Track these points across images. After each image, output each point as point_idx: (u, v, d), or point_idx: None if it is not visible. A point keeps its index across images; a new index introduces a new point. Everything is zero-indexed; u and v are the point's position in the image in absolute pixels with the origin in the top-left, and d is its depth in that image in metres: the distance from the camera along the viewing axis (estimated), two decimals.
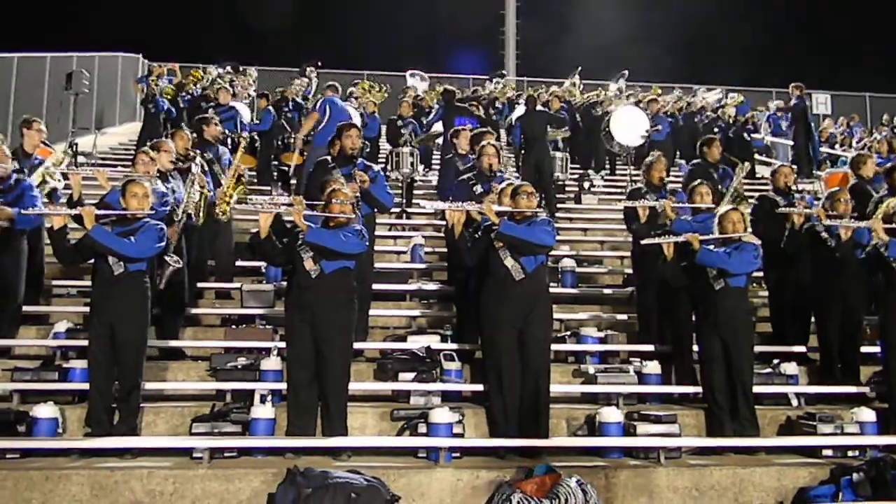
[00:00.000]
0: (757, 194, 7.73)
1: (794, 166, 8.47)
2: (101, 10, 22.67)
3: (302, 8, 24.22)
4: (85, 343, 5.14)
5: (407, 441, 5.05)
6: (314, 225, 4.99)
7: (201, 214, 6.58)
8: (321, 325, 4.91)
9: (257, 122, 11.53)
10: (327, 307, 4.92)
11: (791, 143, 13.95)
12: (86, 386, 5.04)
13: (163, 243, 5.10)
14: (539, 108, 10.75)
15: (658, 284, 6.19)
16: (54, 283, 7.22)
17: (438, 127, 11.02)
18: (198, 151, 6.90)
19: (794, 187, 7.16)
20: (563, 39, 23.37)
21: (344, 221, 4.98)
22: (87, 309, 5.57)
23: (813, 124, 13.96)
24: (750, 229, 5.85)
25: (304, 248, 4.95)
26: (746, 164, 8.08)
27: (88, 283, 5.86)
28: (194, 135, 7.35)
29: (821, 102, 19.56)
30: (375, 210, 6.42)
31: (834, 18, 24.73)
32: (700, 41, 23.83)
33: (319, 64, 14.39)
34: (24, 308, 6.32)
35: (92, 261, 5.09)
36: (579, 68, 14.56)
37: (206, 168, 6.84)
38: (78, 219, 4.99)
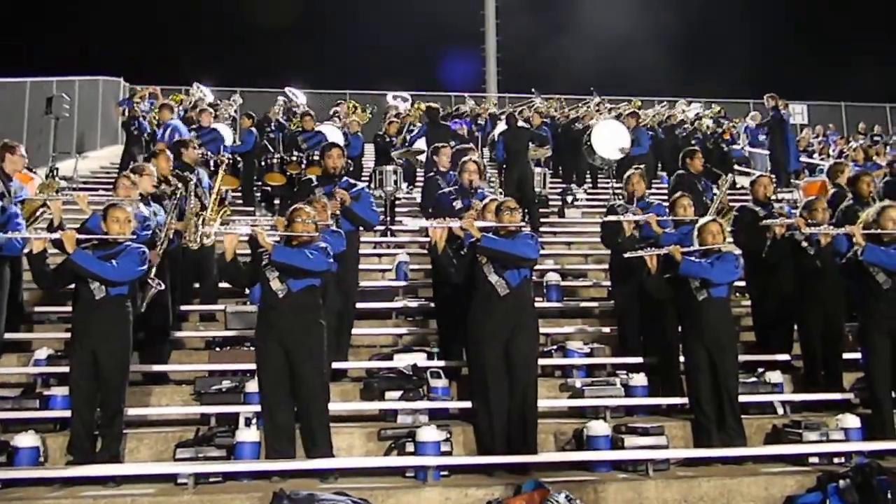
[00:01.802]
0: (737, 205, 7.81)
1: (773, 176, 8.57)
2: (82, 33, 22.65)
3: (284, 29, 24.34)
4: (66, 370, 5.09)
5: (394, 461, 5.02)
6: (279, 244, 4.99)
7: (196, 238, 6.52)
8: (292, 344, 4.88)
9: (240, 143, 11.54)
10: (296, 325, 4.90)
11: (769, 153, 14.13)
12: (67, 413, 4.99)
13: (145, 266, 5.07)
14: (521, 124, 10.83)
15: (637, 297, 6.25)
16: (35, 309, 7.14)
17: (421, 144, 11.06)
18: (186, 174, 6.88)
19: (773, 197, 7.24)
20: (545, 55, 23.66)
21: (307, 240, 4.98)
22: (68, 335, 5.51)
23: (791, 135, 14.14)
24: (730, 240, 5.91)
25: (270, 269, 4.95)
26: (729, 176, 8.18)
27: (69, 308, 5.80)
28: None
29: (797, 112, 19.84)
30: (360, 228, 6.43)
31: (809, 30, 25.24)
32: (679, 55, 24.19)
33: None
34: (5, 335, 6.22)
35: (72, 286, 5.05)
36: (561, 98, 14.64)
37: (192, 191, 6.81)
38: (59, 243, 4.96)
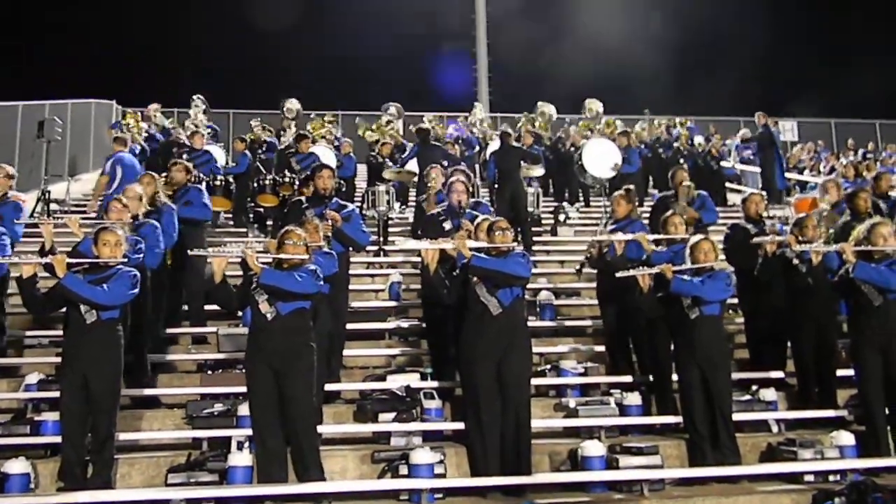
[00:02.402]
0: (729, 223, 7.84)
1: (765, 193, 8.61)
2: (74, 57, 22.72)
3: (274, 50, 24.50)
4: (57, 395, 5.05)
5: (388, 484, 4.98)
6: (268, 267, 4.98)
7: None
8: (281, 367, 4.84)
9: (233, 164, 11.59)
10: (285, 348, 4.87)
11: (759, 170, 14.21)
12: (58, 439, 4.94)
13: (136, 290, 5.04)
14: (513, 143, 10.88)
15: (623, 318, 6.24)
16: (26, 333, 7.10)
17: (413, 166, 11.11)
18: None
19: (764, 214, 7.28)
20: (537, 74, 23.86)
21: (298, 262, 4.98)
22: (59, 359, 5.46)
23: (780, 151, 14.25)
24: (722, 257, 5.92)
25: (259, 291, 4.92)
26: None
27: (60, 332, 5.76)
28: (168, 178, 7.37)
29: (787, 129, 20.01)
30: (350, 249, 6.44)
31: (797, 47, 25.56)
32: (669, 74, 24.45)
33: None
34: None
35: (63, 310, 5.02)
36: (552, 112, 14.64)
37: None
38: (49, 267, 4.94)
